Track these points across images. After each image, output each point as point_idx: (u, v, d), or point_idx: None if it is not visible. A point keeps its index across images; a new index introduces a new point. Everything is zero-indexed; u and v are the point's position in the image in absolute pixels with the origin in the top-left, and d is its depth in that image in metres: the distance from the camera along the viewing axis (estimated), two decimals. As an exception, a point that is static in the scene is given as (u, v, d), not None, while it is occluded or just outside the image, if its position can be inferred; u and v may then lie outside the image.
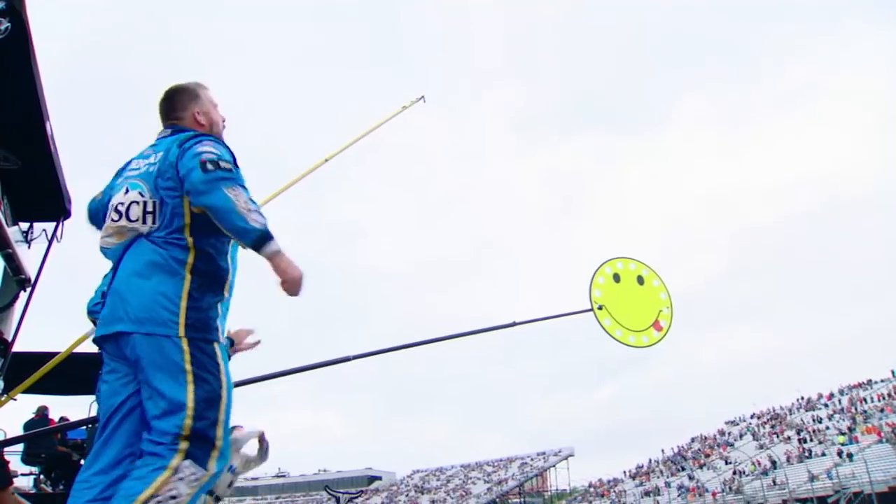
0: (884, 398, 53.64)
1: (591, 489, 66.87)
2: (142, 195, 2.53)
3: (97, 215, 2.82)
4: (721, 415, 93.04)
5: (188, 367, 2.40)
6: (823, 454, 46.10)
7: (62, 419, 7.97)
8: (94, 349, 2.69)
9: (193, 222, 2.49)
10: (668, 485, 54.01)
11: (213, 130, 2.82)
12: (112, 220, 2.59)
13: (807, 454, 47.54)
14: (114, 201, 2.61)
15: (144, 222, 2.51)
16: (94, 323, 2.81)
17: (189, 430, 2.34)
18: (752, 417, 64.32)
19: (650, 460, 65.63)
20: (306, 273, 2.44)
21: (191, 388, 2.38)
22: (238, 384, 6.71)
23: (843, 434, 49.00)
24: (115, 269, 2.55)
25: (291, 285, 2.45)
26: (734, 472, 50.06)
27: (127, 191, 2.58)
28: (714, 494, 46.74)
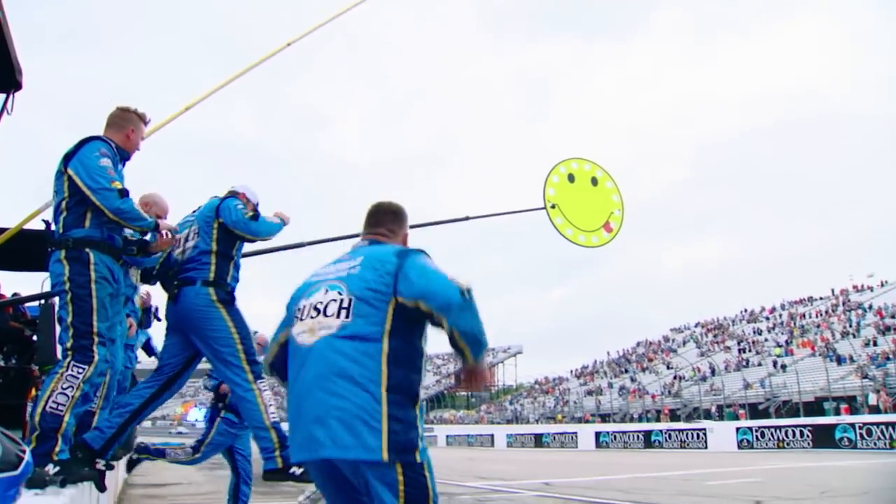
0: (821, 315, 55.71)
1: (537, 386, 69.03)
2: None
3: None
4: (667, 322, 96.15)
5: None
6: (760, 364, 48.01)
7: (14, 295, 7.76)
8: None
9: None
10: (610, 385, 55.94)
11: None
12: None
13: (744, 363, 49.45)
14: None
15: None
16: None
17: None
18: (696, 326, 66.48)
19: (595, 361, 67.81)
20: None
21: None
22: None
23: (779, 346, 50.96)
24: None
25: (478, 385, 2.52)
26: (674, 377, 51.99)
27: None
28: (654, 397, 48.61)
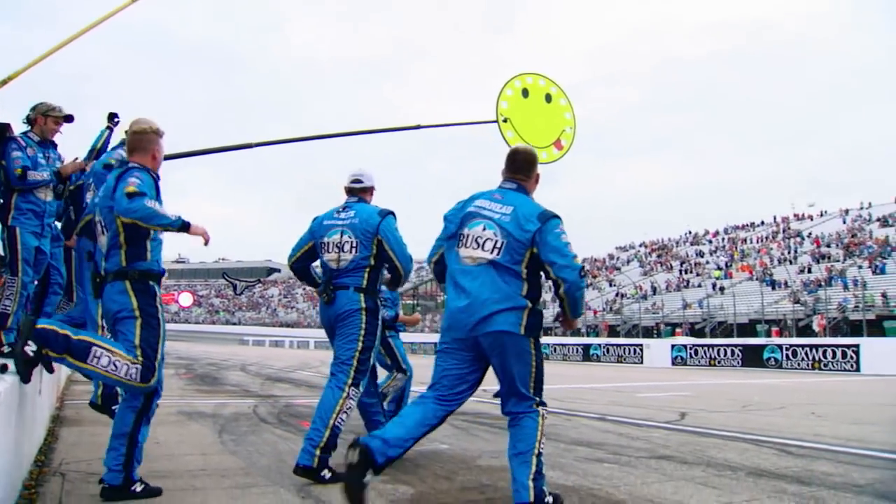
0: (762, 241, 57.24)
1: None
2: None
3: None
4: (613, 240, 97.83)
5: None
6: (699, 285, 49.45)
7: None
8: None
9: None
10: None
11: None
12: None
13: (685, 284, 50.88)
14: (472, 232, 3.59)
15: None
16: None
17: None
18: (641, 245, 67.81)
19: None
20: None
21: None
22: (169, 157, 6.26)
23: (719, 269, 52.46)
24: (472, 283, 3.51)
25: (570, 328, 3.97)
26: (617, 294, 53.33)
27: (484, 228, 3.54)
28: (595, 312, 49.85)
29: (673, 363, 28.79)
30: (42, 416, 5.39)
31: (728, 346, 28.02)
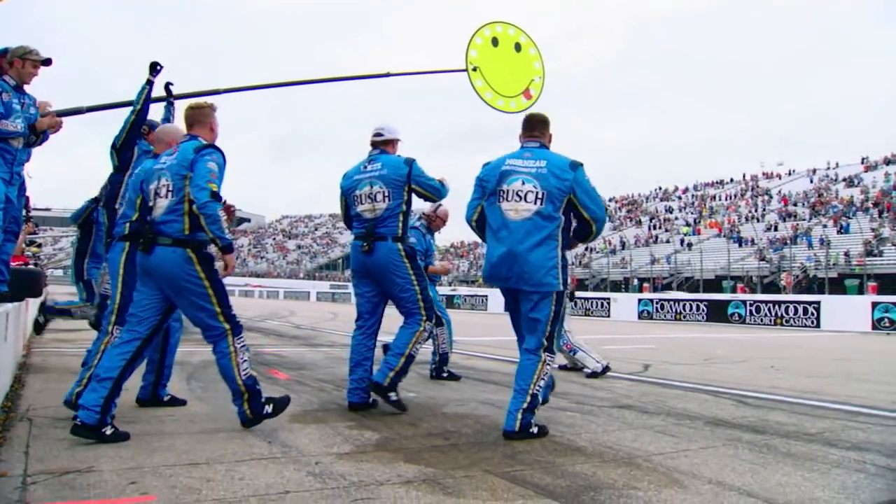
0: (730, 198, 57.90)
1: (452, 249, 70.34)
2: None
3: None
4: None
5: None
6: (668, 241, 50.05)
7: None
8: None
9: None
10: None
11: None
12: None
13: (653, 239, 51.45)
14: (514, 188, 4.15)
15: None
16: None
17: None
18: (611, 200, 68.17)
19: (512, 229, 68.90)
20: None
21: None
22: (102, 108, 6.12)
23: (688, 225, 53.08)
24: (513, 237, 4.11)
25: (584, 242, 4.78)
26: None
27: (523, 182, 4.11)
28: (564, 267, 50.14)
29: (639, 317, 29.25)
30: (7, 363, 5.35)
31: (693, 301, 28.50)
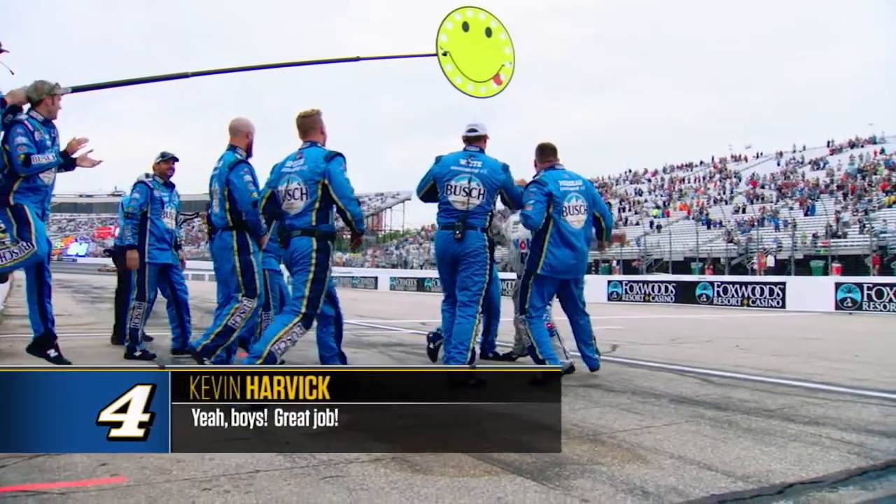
0: (700, 181, 58.48)
1: (423, 232, 70.28)
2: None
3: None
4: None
5: None
6: (637, 223, 50.46)
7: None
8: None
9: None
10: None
11: None
12: None
13: (623, 222, 51.82)
14: None
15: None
16: None
17: None
18: (582, 184, 68.29)
19: (484, 212, 68.97)
20: None
21: None
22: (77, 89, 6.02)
23: (657, 208, 53.55)
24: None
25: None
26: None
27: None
28: (536, 249, 50.33)
29: (609, 298, 29.57)
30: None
31: (662, 282, 28.87)
